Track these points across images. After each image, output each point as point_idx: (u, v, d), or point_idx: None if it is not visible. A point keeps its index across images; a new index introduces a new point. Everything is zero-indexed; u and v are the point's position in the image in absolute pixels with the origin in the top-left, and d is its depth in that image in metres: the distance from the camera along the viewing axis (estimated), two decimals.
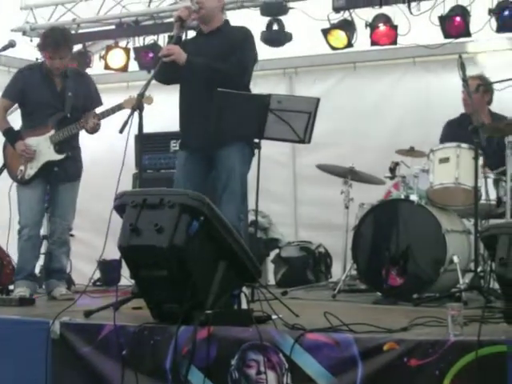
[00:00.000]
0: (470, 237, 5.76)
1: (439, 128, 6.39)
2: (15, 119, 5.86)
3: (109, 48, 8.19)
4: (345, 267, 6.51)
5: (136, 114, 4.58)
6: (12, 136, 5.73)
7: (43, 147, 5.67)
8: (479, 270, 5.30)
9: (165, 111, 6.24)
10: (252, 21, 6.88)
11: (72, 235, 5.99)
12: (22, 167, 5.70)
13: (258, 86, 5.39)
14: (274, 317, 3.89)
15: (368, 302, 5.52)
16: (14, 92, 5.77)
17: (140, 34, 8.07)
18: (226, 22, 5.34)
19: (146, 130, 4.76)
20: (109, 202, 3.95)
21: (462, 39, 7.04)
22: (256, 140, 5.04)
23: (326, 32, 7.36)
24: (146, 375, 3.68)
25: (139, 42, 8.10)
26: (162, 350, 3.64)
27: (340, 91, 7.97)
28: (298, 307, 4.37)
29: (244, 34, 5.25)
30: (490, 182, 5.63)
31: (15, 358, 4.07)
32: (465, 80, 5.53)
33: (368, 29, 7.22)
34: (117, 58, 8.17)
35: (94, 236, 7.69)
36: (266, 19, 7.48)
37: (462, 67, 5.44)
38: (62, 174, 5.72)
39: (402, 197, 5.80)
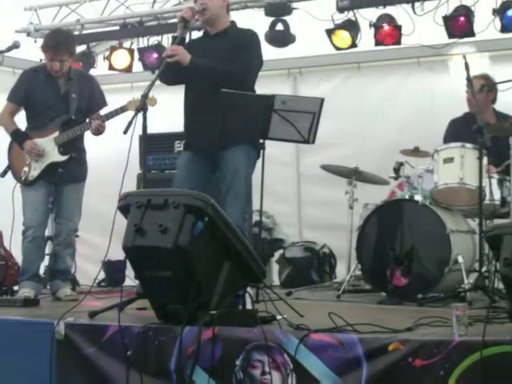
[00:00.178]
0: (474, 237, 5.76)
1: (443, 128, 6.39)
2: (19, 121, 5.86)
3: (113, 49, 8.18)
4: (349, 267, 6.52)
5: (140, 114, 4.59)
6: (20, 136, 5.74)
7: (48, 149, 5.68)
8: (484, 270, 5.30)
9: (169, 112, 6.24)
10: (256, 21, 6.88)
11: (77, 236, 5.99)
12: (25, 168, 5.71)
13: (262, 87, 5.37)
14: (278, 317, 3.89)
15: (372, 302, 5.52)
16: (18, 95, 5.78)
17: (144, 34, 8.07)
18: (233, 23, 5.32)
19: (150, 130, 4.76)
20: (113, 202, 3.95)
21: (466, 39, 7.03)
22: (260, 140, 5.04)
23: (330, 32, 7.35)
24: (150, 376, 3.68)
25: (143, 42, 8.10)
26: (167, 350, 3.63)
27: (344, 91, 7.95)
28: (303, 307, 4.36)
29: (250, 37, 5.23)
30: (495, 182, 5.62)
31: (20, 358, 4.06)
32: (469, 80, 5.53)
33: (372, 29, 7.20)
34: (121, 58, 8.16)
35: (98, 237, 7.68)
36: (270, 19, 7.47)
37: (466, 67, 5.44)
38: (67, 175, 5.72)
39: (407, 197, 5.79)
